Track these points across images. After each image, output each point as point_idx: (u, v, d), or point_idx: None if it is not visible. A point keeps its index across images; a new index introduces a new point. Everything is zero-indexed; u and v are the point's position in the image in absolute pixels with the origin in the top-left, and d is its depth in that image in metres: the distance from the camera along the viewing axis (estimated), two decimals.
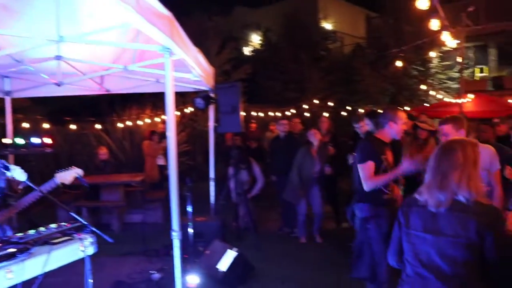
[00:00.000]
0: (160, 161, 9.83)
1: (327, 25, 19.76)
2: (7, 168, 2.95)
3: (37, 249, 2.85)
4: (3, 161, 3.01)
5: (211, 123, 7.00)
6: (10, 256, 2.65)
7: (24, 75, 5.53)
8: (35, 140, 5.98)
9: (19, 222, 5.00)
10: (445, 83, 17.56)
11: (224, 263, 5.15)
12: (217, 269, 5.13)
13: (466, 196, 2.17)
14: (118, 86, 6.55)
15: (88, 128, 12.04)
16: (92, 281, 3.25)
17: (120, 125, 12.23)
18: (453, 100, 13.45)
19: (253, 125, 11.73)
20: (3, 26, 3.64)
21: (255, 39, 20.54)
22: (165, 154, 9.13)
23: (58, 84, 5.17)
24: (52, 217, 7.25)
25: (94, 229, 3.20)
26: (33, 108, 12.01)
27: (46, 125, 10.41)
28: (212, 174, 7.01)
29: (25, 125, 9.60)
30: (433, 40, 12.80)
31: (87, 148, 11.81)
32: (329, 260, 5.95)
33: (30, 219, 5.70)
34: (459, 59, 13.00)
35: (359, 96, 17.38)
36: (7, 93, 6.17)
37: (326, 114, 14.82)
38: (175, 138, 3.67)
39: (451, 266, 2.16)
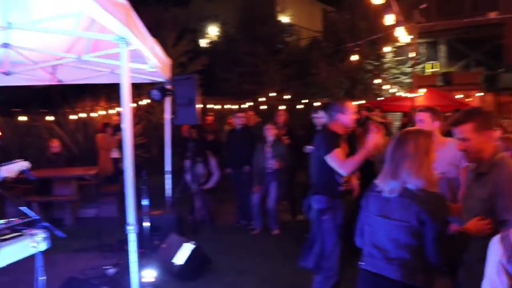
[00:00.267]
0: (114, 154, 9.62)
1: (284, 18, 19.82)
2: None
3: None
4: None
5: (167, 115, 6.90)
6: None
7: None
8: None
9: None
10: (398, 77, 18.02)
11: (181, 257, 5.11)
12: (174, 262, 5.08)
13: (415, 184, 2.30)
14: (71, 76, 6.32)
15: (39, 120, 11.62)
16: (44, 278, 3.14)
17: (73, 117, 11.87)
18: (406, 94, 13.84)
19: (210, 118, 11.65)
20: None
21: (212, 31, 20.36)
22: (119, 147, 8.94)
23: (7, 74, 4.95)
24: (0, 213, 6.98)
25: (46, 224, 3.10)
26: None
27: None
28: (168, 167, 6.92)
29: None
30: (387, 36, 13.09)
31: (38, 141, 11.39)
32: (286, 252, 6.01)
33: None
34: (411, 55, 13.37)
35: (315, 89, 17.57)
36: None
37: (282, 107, 14.94)
38: (131, 131, 3.58)
39: (395, 248, 2.33)
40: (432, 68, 19.72)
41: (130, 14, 3.33)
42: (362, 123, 6.81)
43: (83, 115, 11.85)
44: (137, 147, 11.22)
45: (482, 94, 16.61)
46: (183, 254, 5.13)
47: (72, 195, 7.81)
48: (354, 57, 13.62)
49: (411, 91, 12.21)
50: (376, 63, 17.55)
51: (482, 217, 2.41)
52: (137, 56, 4.29)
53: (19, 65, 5.15)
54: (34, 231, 3.04)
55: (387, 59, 17.72)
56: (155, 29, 10.20)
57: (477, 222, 2.41)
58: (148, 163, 11.20)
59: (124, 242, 3.80)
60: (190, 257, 5.11)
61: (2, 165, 3.38)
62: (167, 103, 6.80)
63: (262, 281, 5.14)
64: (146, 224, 5.18)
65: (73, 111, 11.97)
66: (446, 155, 3.27)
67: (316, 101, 14.86)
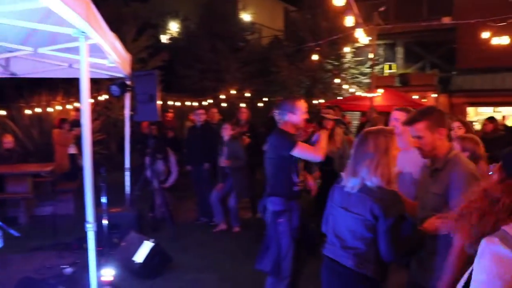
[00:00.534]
0: (71, 150, 9.38)
1: (246, 16, 19.82)
2: None
3: None
4: None
5: (127, 112, 6.80)
6: None
7: None
8: None
9: None
10: (357, 77, 18.36)
11: (141, 255, 5.05)
12: (133, 261, 5.02)
13: (373, 181, 2.45)
14: (26, 69, 6.11)
15: None
16: None
17: (28, 111, 11.47)
18: (365, 94, 14.13)
19: (170, 115, 11.56)
20: None
21: (173, 27, 20.13)
22: (77, 143, 8.74)
23: None
24: None
25: None
26: None
27: None
28: (127, 163, 6.82)
29: None
30: (347, 36, 13.33)
31: None
32: (246, 250, 6.03)
33: None
34: (370, 56, 13.66)
35: (276, 87, 17.65)
36: None
37: (243, 105, 14.96)
38: (90, 126, 3.50)
39: (352, 238, 2.51)
40: (390, 69, 20.20)
41: (90, 7, 3.26)
42: (319, 122, 6.92)
43: (39, 110, 11.47)
44: (95, 143, 11.02)
45: (436, 95, 17.18)
46: (142, 252, 5.07)
47: (27, 192, 7.56)
48: (315, 57, 13.77)
49: (369, 91, 12.48)
50: (336, 63, 17.81)
51: (440, 215, 2.49)
52: (96, 51, 4.20)
53: None
54: None
55: (347, 59, 18.02)
56: (115, 23, 10.01)
57: (434, 220, 2.50)
58: (106, 159, 10.99)
59: (83, 240, 3.73)
60: (150, 255, 5.06)
61: None
62: (127, 99, 6.70)
63: (222, 278, 5.15)
64: (105, 221, 5.09)
65: (28, 106, 11.57)
66: (415, 155, 3.34)
67: (276, 100, 14.97)
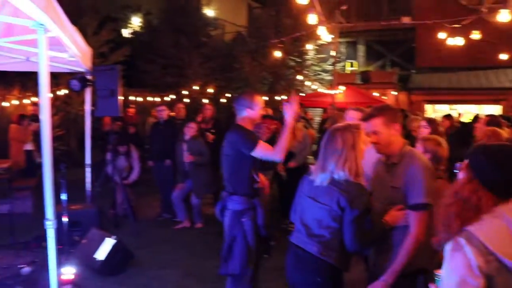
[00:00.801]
0: (28, 146, 9.09)
1: (209, 12, 19.68)
2: None
3: None
4: None
5: (88, 107, 6.66)
6: None
7: None
8: None
9: None
10: (319, 74, 18.61)
11: (102, 252, 4.97)
12: (95, 258, 4.93)
13: (340, 175, 2.57)
14: None
15: None
16: None
17: None
18: (327, 91, 14.33)
19: (131, 110, 11.38)
20: None
21: (135, 21, 19.78)
22: (34, 139, 8.49)
23: None
24: None
25: None
26: None
27: None
28: (88, 160, 6.68)
29: None
30: (310, 34, 13.46)
31: None
32: (210, 246, 6.03)
33: None
34: (332, 53, 13.84)
35: (239, 84, 17.65)
36: None
37: (206, 101, 14.89)
38: (49, 122, 3.41)
39: (317, 227, 2.64)
40: (352, 67, 20.57)
41: None
42: (281, 119, 6.99)
43: None
44: (54, 139, 10.68)
45: (396, 93, 17.62)
46: (104, 249, 4.99)
47: None
48: (278, 53, 13.85)
49: (331, 88, 12.65)
50: (298, 60, 17.98)
51: (400, 206, 2.63)
52: (55, 44, 4.09)
53: None
54: None
55: (309, 57, 18.22)
56: (75, 16, 9.75)
57: (395, 213, 2.63)
58: (66, 156, 10.73)
59: (42, 238, 3.64)
60: (112, 252, 4.98)
61: None
62: (87, 94, 6.56)
63: (185, 274, 5.14)
64: (65, 219, 4.97)
65: None
66: (369, 154, 3.42)
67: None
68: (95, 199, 6.58)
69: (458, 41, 10.71)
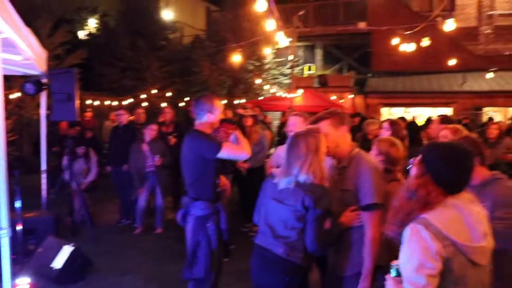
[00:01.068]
0: None
1: (168, 15, 19.51)
2: None
3: None
4: None
5: (43, 111, 6.48)
6: None
7: None
8: None
9: None
10: (277, 78, 18.80)
11: (60, 260, 4.84)
12: (52, 267, 4.79)
13: (304, 179, 2.63)
14: None
15: None
16: None
17: None
18: (285, 95, 14.48)
19: (88, 114, 11.16)
20: None
21: (92, 22, 19.36)
22: None
23: None
24: None
25: None
26: None
27: None
28: (44, 165, 6.49)
29: None
30: (268, 38, 13.56)
31: None
32: (170, 250, 6.00)
33: None
34: (291, 57, 14.01)
35: (198, 87, 17.59)
36: None
37: (164, 104, 14.74)
38: (3, 126, 3.30)
39: (283, 228, 2.69)
40: (309, 70, 20.88)
41: None
42: (239, 122, 7.04)
43: None
44: (7, 144, 10.33)
45: (353, 96, 18.01)
46: (61, 257, 4.86)
47: None
48: (236, 57, 13.88)
49: (289, 92, 12.80)
50: (257, 64, 18.10)
51: (353, 208, 2.75)
52: (8, 46, 3.97)
53: None
54: None
55: (268, 60, 18.36)
56: (28, 17, 9.45)
57: (349, 214, 2.75)
58: (19, 161, 10.38)
59: None
60: (70, 260, 4.86)
61: None
62: (43, 98, 6.38)
63: (147, 280, 5.07)
64: (19, 227, 4.81)
65: None
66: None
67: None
68: (51, 206, 6.40)
69: (410, 47, 11.08)
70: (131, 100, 14.60)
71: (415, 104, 17.04)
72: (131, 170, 6.87)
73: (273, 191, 2.79)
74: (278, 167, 4.45)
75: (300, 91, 13.56)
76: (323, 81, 18.60)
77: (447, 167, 1.79)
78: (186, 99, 16.18)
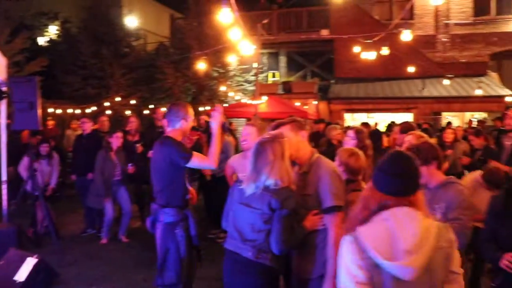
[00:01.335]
0: None
1: (131, 21, 19.32)
2: None
3: None
4: None
5: (3, 120, 6.33)
6: None
7: None
8: None
9: None
10: (242, 85, 18.88)
11: (23, 273, 4.74)
12: (15, 280, 4.69)
13: (272, 183, 2.69)
14: None
15: None
16: None
17: None
18: (250, 101, 14.57)
19: (50, 123, 10.97)
20: None
21: (52, 29, 18.95)
22: None
23: None
24: None
25: None
26: None
27: None
28: (4, 176, 6.34)
29: None
30: (233, 45, 13.65)
31: None
32: (136, 259, 5.98)
33: None
34: (255, 64, 14.12)
35: (162, 95, 17.48)
36: None
37: (128, 112, 14.59)
38: None
39: (250, 231, 2.74)
40: (274, 77, 21.08)
41: None
42: (205, 130, 7.08)
43: None
44: None
45: (317, 102, 18.28)
46: (25, 270, 4.76)
47: None
48: (201, 64, 13.89)
49: (254, 98, 12.89)
50: (221, 71, 18.13)
51: (315, 211, 2.84)
52: None
53: None
54: None
55: (232, 67, 18.43)
56: None
57: (311, 218, 2.84)
58: None
59: None
60: (33, 272, 4.77)
61: None
62: (2, 107, 6.24)
63: None
64: None
65: None
66: None
67: (162, 107, 14.85)
68: (12, 217, 6.25)
69: (371, 55, 11.40)
70: (94, 108, 14.38)
71: (377, 110, 17.43)
72: (96, 178, 6.75)
73: (240, 196, 2.83)
74: (236, 174, 4.57)
75: (264, 98, 13.67)
76: (287, 88, 18.80)
77: (386, 176, 1.91)
78: (151, 106, 16.06)
